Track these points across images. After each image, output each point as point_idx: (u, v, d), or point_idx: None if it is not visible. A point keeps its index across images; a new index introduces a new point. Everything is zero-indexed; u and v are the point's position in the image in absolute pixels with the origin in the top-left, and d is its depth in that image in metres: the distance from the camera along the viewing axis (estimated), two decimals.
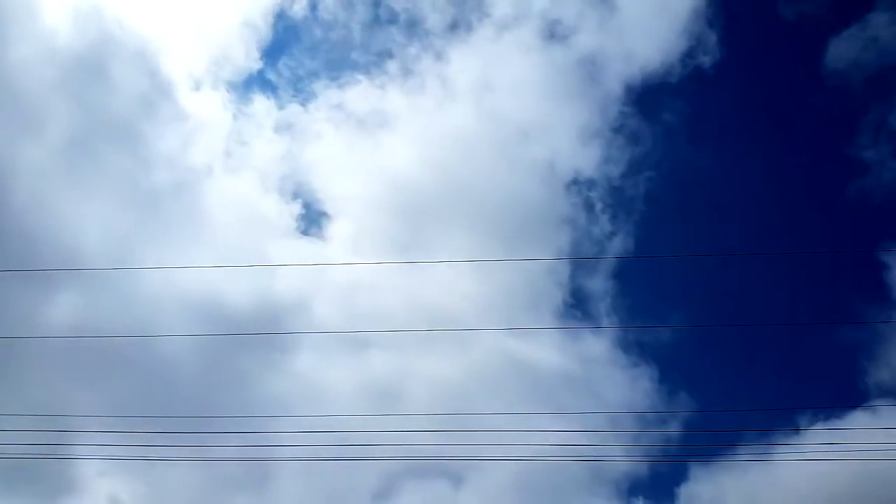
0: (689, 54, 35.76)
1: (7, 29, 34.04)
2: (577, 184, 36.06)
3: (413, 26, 39.95)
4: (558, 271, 34.07)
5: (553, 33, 38.18)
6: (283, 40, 40.46)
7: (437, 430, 21.48)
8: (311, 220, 37.18)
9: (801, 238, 33.46)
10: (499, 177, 37.32)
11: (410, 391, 31.59)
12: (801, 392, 30.05)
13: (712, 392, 31.38)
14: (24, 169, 32.59)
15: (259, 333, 29.82)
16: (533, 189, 36.63)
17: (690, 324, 31.90)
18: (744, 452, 23.30)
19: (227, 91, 39.39)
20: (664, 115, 36.93)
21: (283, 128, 39.18)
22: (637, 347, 32.05)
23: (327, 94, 39.34)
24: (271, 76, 39.89)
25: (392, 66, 39.24)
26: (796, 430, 23.68)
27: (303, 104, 39.67)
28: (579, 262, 35.08)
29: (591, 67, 37.66)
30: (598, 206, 35.78)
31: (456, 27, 39.28)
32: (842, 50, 34.36)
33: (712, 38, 35.81)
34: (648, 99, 37.01)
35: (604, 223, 35.25)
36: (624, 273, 34.53)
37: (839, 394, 29.30)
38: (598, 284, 34.10)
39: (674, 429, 27.26)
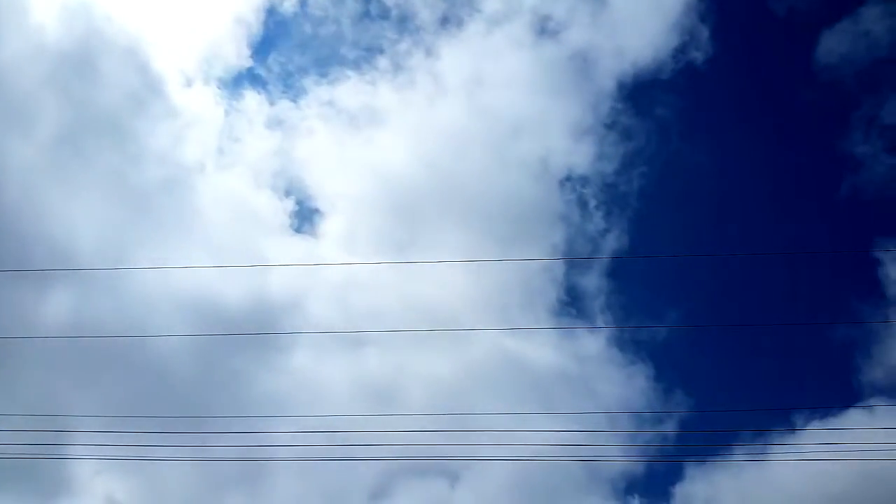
0: (681, 50, 35.75)
1: None
2: (570, 180, 36.12)
3: (403, 22, 39.93)
4: (553, 269, 34.13)
5: (544, 29, 38.15)
6: (272, 36, 40.28)
7: (433, 431, 21.53)
8: (304, 216, 37.14)
9: (794, 234, 33.39)
10: (492, 173, 37.31)
11: (406, 389, 31.63)
12: (796, 391, 30.10)
13: (708, 390, 31.50)
14: (13, 166, 32.52)
15: (254, 333, 29.78)
16: (526, 186, 36.63)
17: (686, 321, 32.24)
18: (739, 452, 23.50)
19: (218, 87, 39.23)
20: (657, 111, 36.94)
21: (274, 124, 39.03)
22: (633, 345, 32.16)
23: (318, 91, 39.24)
24: (262, 72, 39.76)
25: (382, 61, 39.16)
26: (792, 429, 23.85)
27: (293, 100, 39.51)
28: (577, 259, 35.18)
29: (582, 63, 37.63)
30: (592, 202, 35.80)
31: (446, 22, 39.21)
32: (834, 44, 34.40)
33: (704, 34, 35.82)
34: (641, 95, 36.99)
35: (598, 220, 35.29)
36: (619, 270, 34.63)
37: (835, 393, 29.45)
38: (594, 282, 34.17)
39: (669, 428, 27.44)
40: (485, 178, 37.20)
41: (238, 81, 39.32)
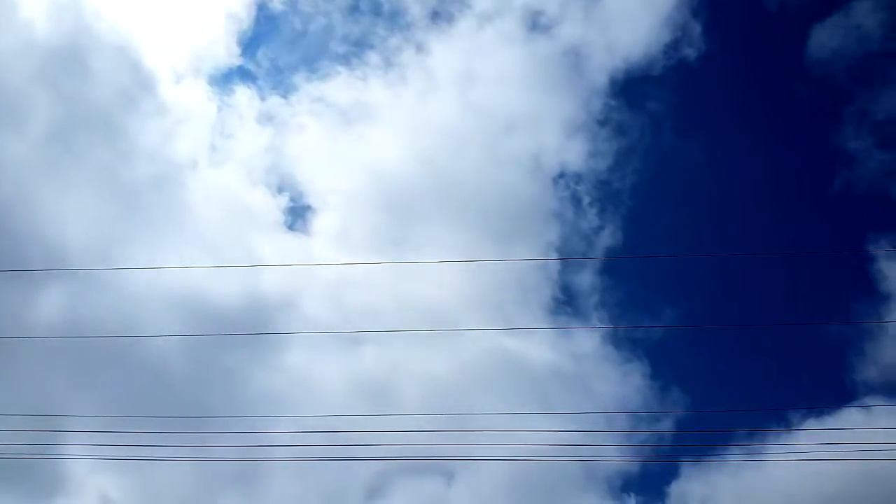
0: (673, 45, 35.79)
1: None
2: (563, 177, 36.11)
3: (393, 17, 39.87)
4: (548, 266, 34.14)
5: (536, 24, 38.08)
6: (262, 31, 40.11)
7: (430, 431, 21.55)
8: (297, 213, 37.08)
9: (788, 229, 33.52)
10: (485, 170, 37.26)
11: (401, 386, 31.60)
12: (791, 389, 30.23)
13: (704, 388, 31.55)
14: (2, 164, 32.34)
15: (248, 334, 29.69)
16: (520, 182, 36.59)
17: (681, 318, 32.28)
18: (735, 451, 23.54)
19: (208, 83, 39.03)
20: (649, 108, 36.92)
21: (265, 120, 38.87)
22: (628, 343, 32.17)
23: (308, 87, 39.11)
24: (252, 68, 39.63)
25: (373, 57, 39.05)
26: (788, 428, 23.94)
27: (284, 96, 39.34)
28: (571, 257, 35.18)
29: (575, 59, 37.60)
30: (586, 199, 35.82)
31: (437, 18, 39.12)
32: (825, 39, 34.47)
33: (696, 29, 35.83)
34: (633, 91, 36.99)
35: (592, 217, 35.31)
36: (614, 267, 34.69)
37: (830, 391, 29.53)
38: (589, 279, 34.17)
39: (665, 426, 27.49)
40: (478, 175, 37.23)
41: (228, 77, 39.25)
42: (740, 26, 37.17)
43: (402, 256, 35.03)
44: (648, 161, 36.25)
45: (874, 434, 20.57)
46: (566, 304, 33.92)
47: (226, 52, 39.07)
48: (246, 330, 30.79)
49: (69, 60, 35.22)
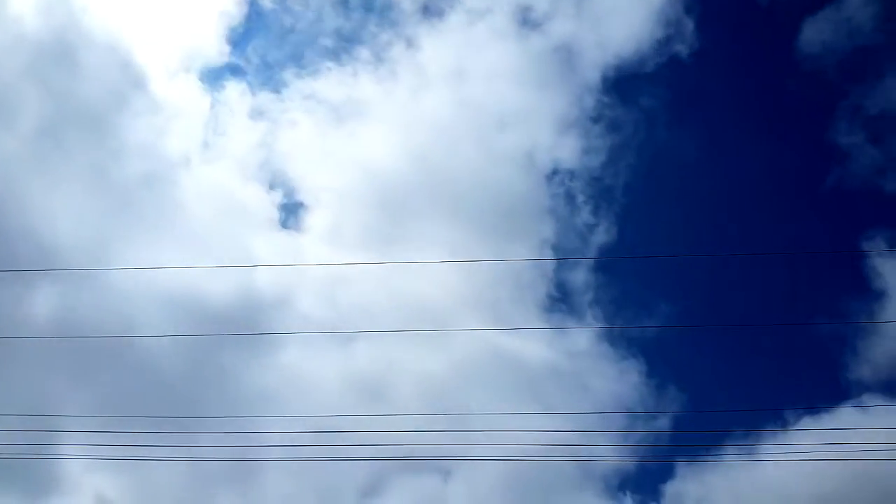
0: (665, 41, 35.80)
1: None
2: (557, 174, 36.08)
3: (384, 12, 39.80)
4: (543, 263, 34.14)
5: (526, 20, 38.03)
6: (252, 27, 40.04)
7: (424, 427, 21.52)
8: (290, 211, 36.95)
9: (781, 226, 33.61)
10: (478, 167, 37.22)
11: (395, 384, 31.54)
12: (787, 388, 30.28)
13: (700, 385, 31.57)
14: None
15: (243, 334, 29.58)
16: (513, 179, 36.57)
17: (675, 315, 32.30)
18: (730, 449, 23.54)
19: (199, 80, 38.87)
20: (642, 104, 36.93)
21: (256, 117, 38.75)
22: (624, 340, 32.17)
23: (298, 83, 39.03)
24: (243, 64, 39.50)
25: (363, 52, 38.95)
26: (784, 428, 23.96)
27: (275, 92, 39.23)
28: (566, 254, 35.18)
29: (567, 55, 37.57)
30: (580, 196, 35.80)
31: (428, 13, 39.02)
32: (817, 33, 34.53)
33: (688, 25, 35.88)
34: (626, 87, 37.05)
35: (586, 214, 35.30)
36: (609, 264, 34.72)
37: (825, 390, 29.60)
38: (584, 276, 34.17)
39: (661, 425, 27.53)
40: (471, 172, 37.19)
41: (219, 74, 39.15)
42: (732, 21, 37.33)
43: (395, 253, 35.08)
44: (642, 157, 36.42)
45: (870, 433, 20.59)
46: (561, 301, 33.95)
47: (216, 49, 39.03)
48: (240, 327, 30.79)
49: (59, 57, 35.15)
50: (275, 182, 37.05)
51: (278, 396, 30.04)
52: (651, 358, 31.72)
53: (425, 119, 38.59)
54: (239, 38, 39.26)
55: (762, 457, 23.19)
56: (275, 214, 36.70)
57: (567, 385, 31.39)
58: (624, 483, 29.10)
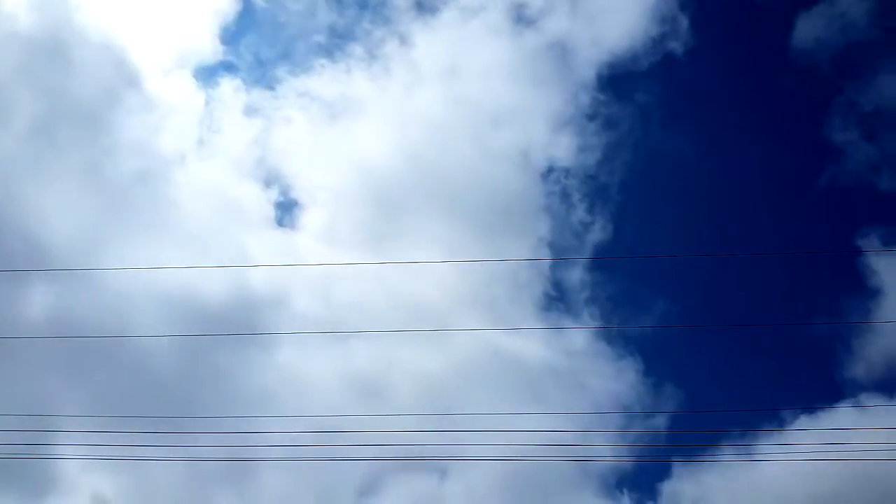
0: (659, 38, 35.79)
1: None
2: (552, 171, 36.05)
3: (377, 9, 39.70)
4: (539, 261, 34.18)
5: (521, 17, 37.98)
6: (244, 23, 39.92)
7: (422, 428, 21.54)
8: (285, 209, 36.87)
9: (776, 223, 33.67)
10: (473, 165, 37.15)
11: (392, 382, 31.50)
12: (784, 387, 30.32)
13: (697, 384, 31.59)
14: None
15: (238, 334, 29.55)
16: (509, 177, 36.51)
17: (672, 312, 32.27)
18: (727, 449, 23.58)
19: (193, 77, 38.77)
20: (636, 101, 36.91)
21: (251, 114, 38.60)
22: (621, 339, 32.17)
23: (292, 79, 38.88)
24: (236, 61, 39.40)
25: (357, 49, 38.83)
26: (780, 428, 24.02)
27: (268, 89, 39.11)
28: (561, 252, 35.19)
29: (561, 53, 37.53)
30: (575, 194, 35.79)
31: (421, 10, 38.94)
32: (811, 29, 34.57)
33: (683, 22, 35.87)
34: (620, 84, 36.99)
35: (581, 212, 35.28)
36: (605, 262, 34.76)
37: (822, 390, 29.63)
38: (580, 275, 34.16)
39: (658, 424, 27.60)
40: (467, 170, 37.12)
41: (213, 71, 38.92)
42: (727, 19, 37.34)
43: (390, 251, 35.01)
44: (637, 155, 36.39)
45: (867, 432, 20.66)
46: (558, 299, 33.94)
47: (209, 46, 38.85)
48: (236, 325, 30.77)
49: (53, 54, 34.99)
50: (270, 179, 37.01)
51: (275, 395, 30.07)
52: (648, 356, 31.81)
53: (419, 116, 38.54)
54: (232, 35, 39.21)
55: (759, 456, 23.30)
56: (270, 212, 36.71)
57: (564, 384, 31.46)
58: (621, 482, 29.19)
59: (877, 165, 33.32)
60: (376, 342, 30.50)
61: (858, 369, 29.63)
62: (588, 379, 31.45)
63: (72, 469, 27.02)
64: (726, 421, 23.76)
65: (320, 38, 39.32)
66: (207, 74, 38.73)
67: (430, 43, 38.81)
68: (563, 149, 36.10)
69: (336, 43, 39.17)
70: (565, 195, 35.68)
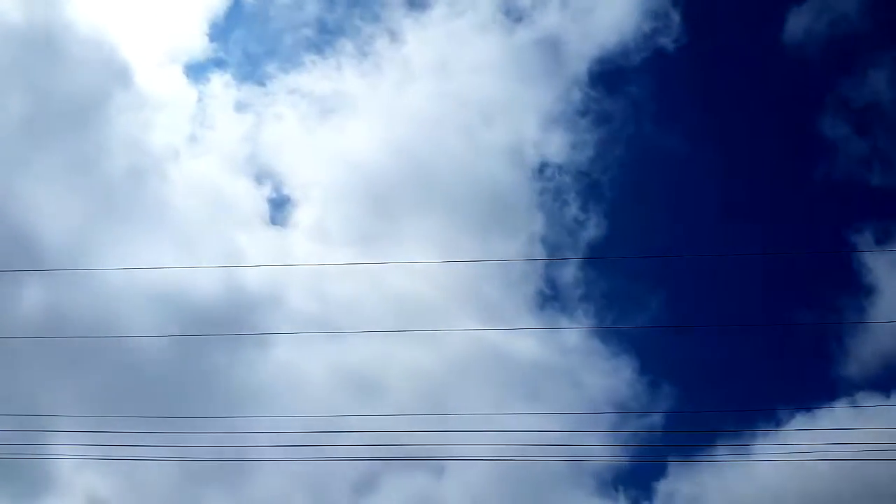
0: (650, 33, 35.77)
1: None
2: (545, 168, 35.98)
3: (367, 5, 39.84)
4: (533, 257, 34.18)
5: (511, 12, 37.89)
6: (235, 19, 39.78)
7: (416, 424, 21.59)
8: (278, 206, 36.73)
9: (769, 220, 33.73)
10: (465, 161, 37.07)
11: (386, 378, 31.43)
12: (780, 386, 30.37)
13: (692, 382, 31.57)
14: None
15: (229, 334, 29.50)
16: (501, 173, 36.44)
17: (665, 309, 32.24)
18: (723, 449, 23.64)
19: (184, 73, 38.51)
20: (628, 97, 36.85)
21: (242, 111, 38.41)
22: (616, 337, 32.12)
23: (283, 76, 38.65)
24: (227, 57, 39.21)
25: (347, 45, 38.65)
26: (776, 428, 24.12)
27: (259, 85, 38.85)
28: (555, 249, 35.14)
29: (553, 48, 37.43)
30: (568, 190, 35.70)
31: (411, 5, 38.83)
32: (802, 23, 34.57)
33: (674, 17, 35.84)
34: (612, 80, 36.90)
35: (575, 208, 35.24)
36: (600, 260, 34.80)
37: (817, 388, 29.69)
38: (574, 272, 34.13)
39: (653, 422, 27.66)
40: (459, 166, 37.03)
41: (203, 67, 38.68)
42: (718, 13, 37.28)
43: (383, 248, 34.93)
44: (630, 151, 36.32)
45: (863, 431, 20.76)
46: (552, 297, 33.89)
47: (199, 41, 38.61)
48: (228, 323, 30.77)
49: (42, 51, 34.71)
50: (262, 176, 36.77)
51: (269, 393, 29.99)
52: (643, 355, 31.77)
53: (411, 112, 38.35)
54: (222, 31, 39.03)
55: (754, 455, 23.38)
56: (262, 209, 36.55)
57: (559, 382, 31.43)
58: (617, 480, 29.21)
59: (869, 161, 33.44)
60: (370, 339, 30.48)
61: (855, 368, 29.75)
62: (583, 377, 31.48)
63: (66, 469, 27.03)
64: (722, 420, 23.83)
65: (310, 33, 39.17)
66: (198, 70, 38.55)
67: (421, 39, 38.67)
68: (556, 145, 36.06)
69: (326, 39, 39.07)
70: (558, 192, 35.69)
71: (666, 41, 35.71)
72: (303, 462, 23.32)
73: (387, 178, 37.29)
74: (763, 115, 35.94)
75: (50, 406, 26.73)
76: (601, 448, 24.63)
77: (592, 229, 34.77)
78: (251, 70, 39.66)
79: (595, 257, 34.72)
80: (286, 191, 36.93)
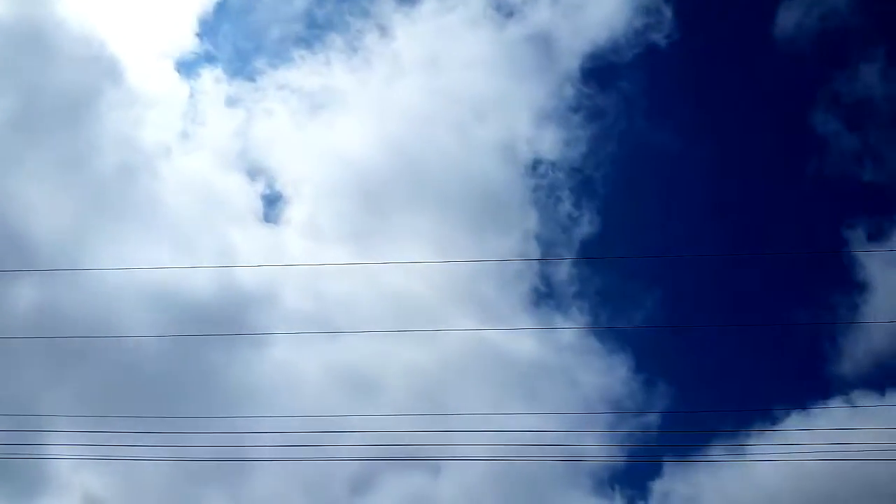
0: (642, 29, 35.76)
1: None
2: (538, 165, 35.96)
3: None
4: (528, 254, 34.25)
5: (502, 7, 37.82)
6: (224, 14, 39.71)
7: (412, 423, 21.65)
8: (270, 203, 36.63)
9: (762, 216, 33.82)
10: (458, 157, 37.01)
11: (383, 376, 31.45)
12: (775, 385, 30.48)
13: (688, 380, 31.67)
14: None
15: (224, 334, 29.46)
16: (494, 170, 36.41)
17: (661, 307, 32.30)
18: (718, 448, 23.74)
19: (175, 69, 38.33)
20: (621, 92, 36.84)
21: (233, 106, 38.25)
22: (611, 335, 32.15)
23: (272, 72, 38.44)
24: (217, 53, 39.10)
25: (337, 41, 38.51)
26: (772, 427, 24.21)
27: (250, 81, 38.69)
28: (549, 246, 35.17)
29: (544, 43, 37.37)
30: (562, 187, 35.69)
31: (401, 0, 38.77)
32: (794, 18, 34.62)
33: (666, 13, 35.82)
34: (604, 75, 36.89)
35: (569, 205, 35.24)
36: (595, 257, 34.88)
37: (812, 387, 29.77)
38: (569, 269, 34.14)
39: (649, 421, 27.75)
40: (451, 163, 36.97)
41: (194, 63, 38.50)
42: (710, 9, 37.33)
43: (375, 245, 34.90)
44: (623, 147, 36.35)
45: (858, 430, 20.87)
46: (547, 295, 33.91)
47: (189, 37, 38.44)
48: (223, 321, 30.73)
49: (32, 48, 34.52)
50: (253, 172, 36.67)
51: (265, 390, 29.99)
52: (639, 353, 31.80)
53: (401, 108, 38.23)
54: (211, 27, 38.92)
55: (750, 454, 23.49)
56: (255, 206, 36.46)
57: (554, 380, 31.47)
58: (613, 480, 29.29)
59: (861, 156, 33.55)
60: (364, 337, 30.48)
61: (848, 366, 29.86)
62: (578, 376, 31.54)
63: (62, 468, 26.99)
64: (717, 419, 23.93)
65: (299, 28, 39.00)
66: (188, 66, 38.38)
67: (411, 34, 38.48)
68: (548, 141, 36.04)
69: (315, 34, 38.91)
70: (552, 188, 35.69)
71: (658, 37, 35.77)
72: (299, 461, 23.27)
73: (378, 174, 37.28)
74: (755, 111, 36.12)
75: (45, 406, 26.75)
76: (597, 447, 24.70)
77: (586, 226, 34.82)
78: (241, 66, 39.72)
79: (591, 257, 34.81)
80: (278, 187, 36.91)
